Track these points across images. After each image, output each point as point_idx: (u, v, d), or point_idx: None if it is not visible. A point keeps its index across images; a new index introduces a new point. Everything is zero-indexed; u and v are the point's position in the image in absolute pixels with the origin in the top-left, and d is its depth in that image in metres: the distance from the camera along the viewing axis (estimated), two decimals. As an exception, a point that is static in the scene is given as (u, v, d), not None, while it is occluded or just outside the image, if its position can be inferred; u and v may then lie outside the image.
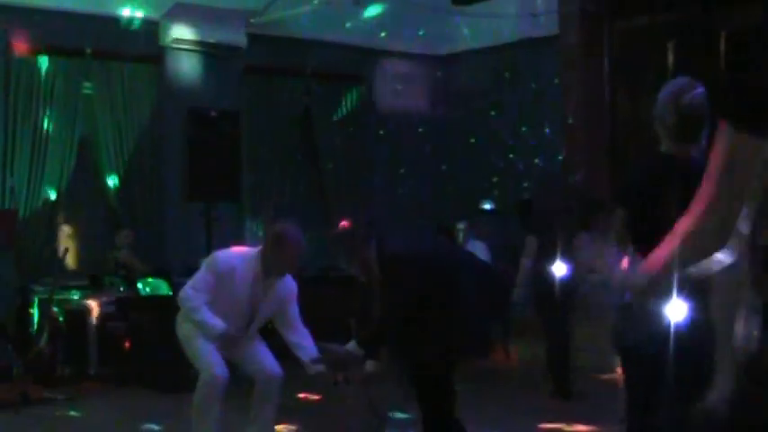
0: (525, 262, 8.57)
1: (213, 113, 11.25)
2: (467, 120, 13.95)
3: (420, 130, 14.10)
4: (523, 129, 13.55)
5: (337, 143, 13.38)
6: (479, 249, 10.99)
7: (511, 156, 13.82)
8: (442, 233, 11.84)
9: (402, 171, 14.01)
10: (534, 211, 9.95)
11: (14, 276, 10.52)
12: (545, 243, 8.24)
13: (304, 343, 6.25)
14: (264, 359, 6.42)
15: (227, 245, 11.88)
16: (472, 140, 14.02)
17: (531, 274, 8.45)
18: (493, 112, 13.68)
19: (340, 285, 11.46)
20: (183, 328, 6.43)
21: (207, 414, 6.21)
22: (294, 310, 6.42)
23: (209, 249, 10.23)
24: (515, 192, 13.90)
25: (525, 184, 14.21)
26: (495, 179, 14.14)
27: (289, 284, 6.41)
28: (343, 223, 5.83)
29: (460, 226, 11.08)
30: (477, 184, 14.00)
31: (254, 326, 6.41)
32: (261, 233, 11.50)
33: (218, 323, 6.14)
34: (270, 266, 6.21)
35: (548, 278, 7.90)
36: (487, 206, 14.21)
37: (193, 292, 6.24)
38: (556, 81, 12.24)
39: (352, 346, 5.34)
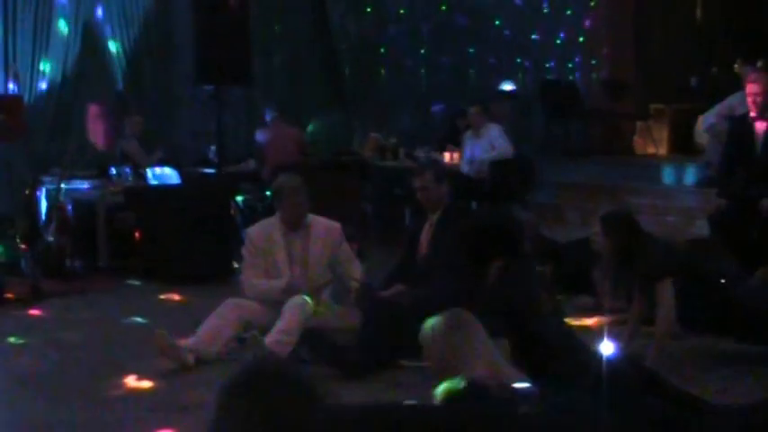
0: None
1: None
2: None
3: (443, 8, 13.73)
4: (545, 9, 13.24)
5: (351, 22, 13.00)
6: (495, 132, 10.67)
7: (534, 36, 13.57)
8: (459, 117, 11.56)
9: (422, 52, 13.73)
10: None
11: (24, 168, 10.33)
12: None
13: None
14: None
15: (237, 131, 11.84)
16: (497, 23, 13.70)
17: None
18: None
19: (353, 170, 11.28)
20: None
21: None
22: (346, 252, 6.57)
23: (219, 136, 10.00)
24: (537, 73, 13.68)
25: (548, 65, 13.97)
26: (518, 60, 13.91)
27: (329, 230, 6.55)
28: None
29: (472, 110, 10.68)
30: (500, 68, 13.79)
31: (316, 281, 6.43)
32: (267, 120, 11.19)
33: (275, 282, 6.33)
34: (285, 221, 6.46)
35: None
36: (507, 87, 13.90)
37: (244, 277, 6.54)
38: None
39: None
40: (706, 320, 5.59)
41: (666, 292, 5.44)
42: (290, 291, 6.22)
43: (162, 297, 8.13)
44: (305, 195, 6.47)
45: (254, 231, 6.64)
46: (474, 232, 5.13)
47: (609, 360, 4.23)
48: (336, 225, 6.61)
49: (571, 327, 4.56)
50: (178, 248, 8.81)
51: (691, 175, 9.89)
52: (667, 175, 10.61)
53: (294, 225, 6.48)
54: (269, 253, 6.47)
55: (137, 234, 9.21)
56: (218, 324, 6.12)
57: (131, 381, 5.73)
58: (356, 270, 6.53)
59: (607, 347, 4.26)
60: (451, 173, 10.74)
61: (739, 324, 5.55)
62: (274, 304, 6.20)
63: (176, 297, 8.09)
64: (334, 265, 6.48)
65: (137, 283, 8.73)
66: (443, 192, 6.67)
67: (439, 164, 6.83)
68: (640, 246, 5.63)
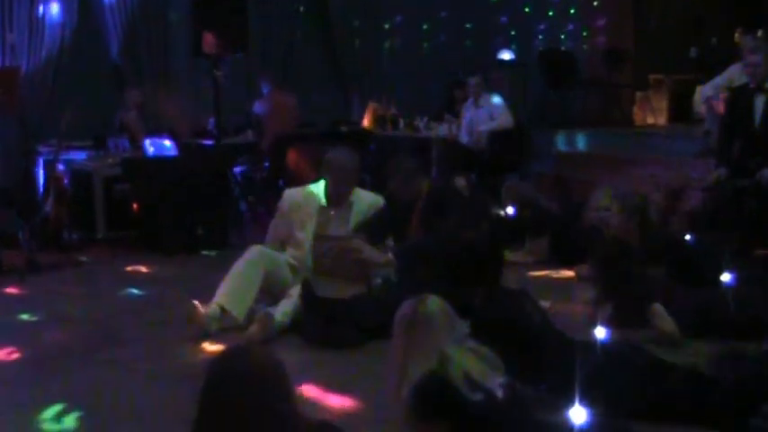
0: None
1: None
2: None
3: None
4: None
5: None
6: (495, 102, 10.65)
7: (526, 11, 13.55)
8: (457, 88, 11.52)
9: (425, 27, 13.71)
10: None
11: (20, 139, 10.27)
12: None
13: None
14: None
15: (236, 103, 11.78)
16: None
17: None
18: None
19: (352, 140, 11.24)
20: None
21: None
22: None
23: (217, 107, 9.96)
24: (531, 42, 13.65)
25: (541, 36, 13.95)
26: (513, 32, 13.88)
27: (371, 205, 6.48)
28: None
29: (472, 81, 10.64)
30: (497, 39, 13.77)
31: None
32: (264, 92, 11.14)
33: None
34: (329, 194, 6.36)
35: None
36: (506, 56, 13.85)
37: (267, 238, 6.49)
38: None
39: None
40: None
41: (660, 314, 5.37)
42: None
43: (160, 268, 8.13)
44: (355, 172, 6.39)
45: (291, 195, 6.52)
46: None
47: (604, 344, 4.23)
48: (380, 200, 6.54)
49: (563, 334, 4.49)
50: (176, 220, 8.80)
51: (690, 146, 9.86)
52: (666, 146, 10.58)
53: (338, 200, 6.37)
54: (295, 222, 6.38)
55: (134, 205, 9.20)
56: (243, 277, 6.00)
57: (135, 350, 5.75)
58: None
59: (600, 332, 4.26)
60: (450, 143, 10.81)
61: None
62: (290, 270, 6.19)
63: (174, 268, 8.09)
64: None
65: (134, 254, 8.72)
66: (415, 187, 6.64)
67: (406, 163, 6.78)
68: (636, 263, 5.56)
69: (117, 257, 8.60)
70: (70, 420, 4.58)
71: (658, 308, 5.35)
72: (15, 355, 5.74)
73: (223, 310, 5.88)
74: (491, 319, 4.22)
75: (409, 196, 6.60)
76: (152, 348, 5.79)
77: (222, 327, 5.89)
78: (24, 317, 6.69)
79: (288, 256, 6.32)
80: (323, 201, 6.40)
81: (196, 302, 5.86)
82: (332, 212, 6.41)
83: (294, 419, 2.82)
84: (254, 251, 6.12)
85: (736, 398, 3.94)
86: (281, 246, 6.45)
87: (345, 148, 6.64)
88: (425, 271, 5.79)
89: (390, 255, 6.16)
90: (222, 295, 5.93)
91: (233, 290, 5.95)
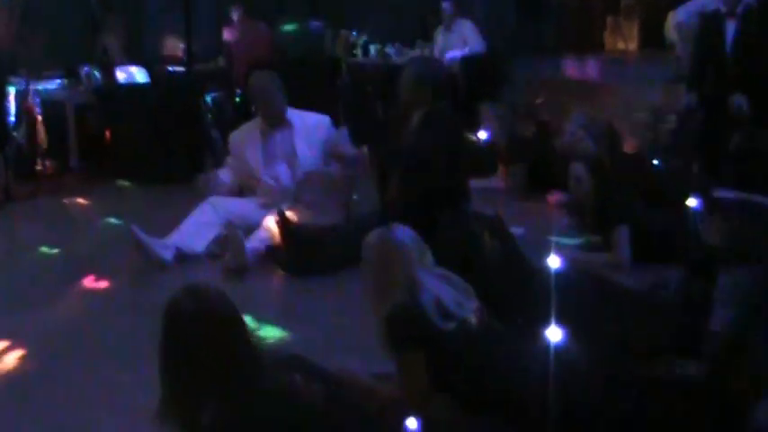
0: None
1: None
2: None
3: None
4: None
5: None
6: (468, 28, 10.64)
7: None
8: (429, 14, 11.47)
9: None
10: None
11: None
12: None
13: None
14: None
15: (207, 31, 11.67)
16: None
17: None
18: None
19: (325, 67, 11.20)
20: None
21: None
22: (331, 139, 6.52)
23: (188, 35, 9.87)
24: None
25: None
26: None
27: (317, 124, 6.55)
28: None
29: (445, 5, 10.59)
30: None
31: (301, 171, 6.40)
32: (234, 19, 11.04)
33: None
34: (265, 118, 6.49)
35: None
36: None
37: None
38: None
39: None
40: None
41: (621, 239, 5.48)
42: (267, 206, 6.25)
43: (134, 197, 8.13)
44: (278, 91, 6.44)
45: (234, 134, 6.67)
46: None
47: (558, 273, 4.27)
48: (325, 118, 6.60)
49: (528, 262, 4.53)
50: (149, 148, 8.78)
51: (662, 72, 9.91)
52: (637, 72, 10.62)
53: (274, 121, 6.46)
54: (245, 154, 6.49)
55: (107, 134, 9.17)
56: (201, 222, 6.14)
57: (102, 281, 5.78)
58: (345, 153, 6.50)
59: (554, 261, 4.30)
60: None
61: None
62: (259, 204, 6.27)
63: (149, 197, 8.10)
64: (328, 156, 6.48)
65: (109, 183, 8.71)
66: (423, 95, 6.53)
67: (421, 63, 6.66)
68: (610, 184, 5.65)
69: (94, 187, 8.58)
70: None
71: (622, 233, 5.45)
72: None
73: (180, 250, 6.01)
74: (449, 250, 4.20)
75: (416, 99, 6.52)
76: (130, 279, 5.83)
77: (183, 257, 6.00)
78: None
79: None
80: (262, 128, 6.52)
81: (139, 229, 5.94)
82: (275, 136, 6.49)
83: (253, 356, 2.91)
84: (204, 208, 6.23)
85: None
86: (247, 188, 6.58)
87: (265, 71, 6.71)
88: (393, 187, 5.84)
89: (364, 149, 6.24)
90: (178, 234, 6.06)
91: (190, 231, 6.10)
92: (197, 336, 2.83)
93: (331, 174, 6.43)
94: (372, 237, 3.72)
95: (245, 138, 6.56)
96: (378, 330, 3.57)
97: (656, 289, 4.46)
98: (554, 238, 5.71)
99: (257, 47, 10.71)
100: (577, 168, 5.77)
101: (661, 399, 3.33)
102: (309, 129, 6.50)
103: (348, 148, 6.50)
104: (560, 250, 4.71)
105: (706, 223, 5.52)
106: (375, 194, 6.20)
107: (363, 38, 12.13)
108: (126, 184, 8.61)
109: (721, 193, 6.06)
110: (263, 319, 4.84)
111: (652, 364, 3.86)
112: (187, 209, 6.25)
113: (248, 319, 3.03)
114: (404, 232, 3.70)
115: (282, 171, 6.44)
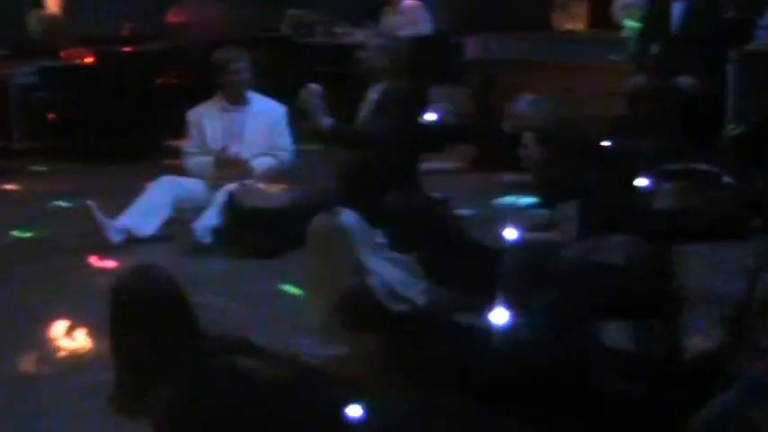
0: None
1: None
2: None
3: None
4: None
5: None
6: (411, 6, 10.61)
7: None
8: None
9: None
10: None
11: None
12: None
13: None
14: None
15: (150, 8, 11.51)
16: None
17: None
18: None
19: (276, 47, 11.14)
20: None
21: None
22: (283, 134, 6.59)
23: (133, 12, 9.76)
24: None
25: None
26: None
27: (273, 110, 6.62)
28: None
29: None
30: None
31: (248, 148, 6.44)
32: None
33: (206, 158, 6.39)
34: (226, 94, 6.52)
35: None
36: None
37: (185, 155, 6.54)
38: None
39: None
40: None
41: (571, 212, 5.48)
42: (219, 163, 6.29)
43: (83, 178, 8.02)
44: (245, 66, 6.49)
45: (192, 112, 6.65)
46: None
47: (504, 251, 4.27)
48: (281, 107, 6.66)
49: (470, 239, 4.53)
50: (95, 127, 8.69)
51: (610, 52, 9.93)
52: (586, 52, 10.65)
53: (235, 98, 6.51)
54: (203, 129, 6.50)
55: (50, 114, 9.04)
56: (152, 203, 6.13)
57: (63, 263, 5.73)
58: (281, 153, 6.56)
59: (510, 233, 4.31)
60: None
61: None
62: (210, 183, 6.27)
63: (99, 178, 7.98)
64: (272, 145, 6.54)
65: (54, 164, 8.58)
66: (385, 63, 6.56)
67: (387, 37, 6.72)
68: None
69: (35, 168, 8.46)
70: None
71: (570, 208, 5.46)
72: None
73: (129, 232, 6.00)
74: (397, 230, 4.19)
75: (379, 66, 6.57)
76: (80, 261, 5.75)
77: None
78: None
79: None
80: (221, 105, 6.57)
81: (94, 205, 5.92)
82: (232, 114, 6.56)
83: (198, 337, 2.92)
84: (154, 188, 6.21)
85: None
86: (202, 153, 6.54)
87: (232, 46, 6.75)
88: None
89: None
90: (128, 216, 6.02)
91: (141, 212, 6.07)
92: (140, 316, 2.85)
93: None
94: (317, 222, 3.70)
95: (204, 114, 6.57)
96: (323, 313, 3.55)
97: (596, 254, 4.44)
98: (497, 201, 5.73)
99: (210, 29, 10.58)
100: (527, 138, 5.78)
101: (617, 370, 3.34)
102: (265, 112, 6.58)
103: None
104: (507, 221, 4.73)
105: (656, 193, 5.57)
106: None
107: (312, 17, 12.03)
108: (73, 164, 8.48)
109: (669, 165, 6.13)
110: (211, 300, 4.80)
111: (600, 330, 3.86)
112: (135, 189, 6.18)
113: (196, 301, 2.98)
114: (349, 216, 3.69)
115: (238, 150, 6.42)
